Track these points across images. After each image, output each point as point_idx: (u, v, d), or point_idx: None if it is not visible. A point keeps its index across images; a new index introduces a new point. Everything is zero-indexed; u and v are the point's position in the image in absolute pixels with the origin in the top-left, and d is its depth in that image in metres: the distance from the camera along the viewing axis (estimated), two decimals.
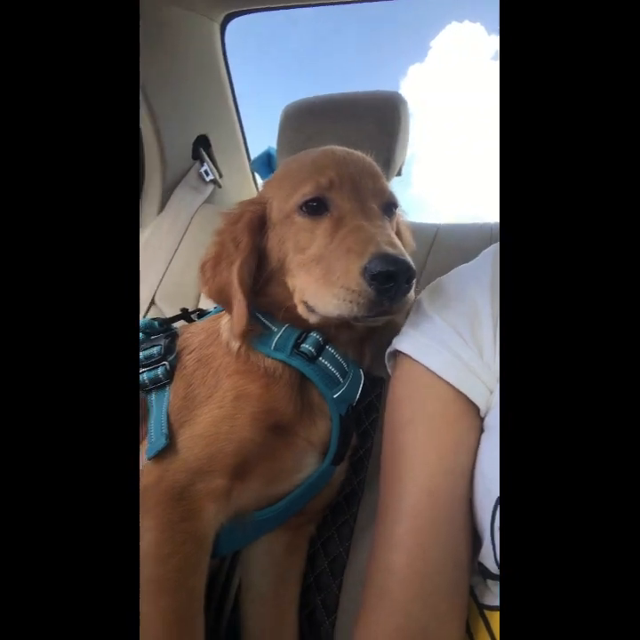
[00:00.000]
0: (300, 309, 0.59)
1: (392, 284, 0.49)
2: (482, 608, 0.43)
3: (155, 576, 0.49)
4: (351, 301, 0.50)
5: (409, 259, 0.50)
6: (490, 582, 0.43)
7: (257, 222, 0.61)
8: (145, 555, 0.50)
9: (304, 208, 0.58)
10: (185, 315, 0.82)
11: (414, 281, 0.51)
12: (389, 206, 0.62)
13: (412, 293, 0.52)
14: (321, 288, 0.54)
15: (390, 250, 0.50)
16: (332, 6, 1.16)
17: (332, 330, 0.63)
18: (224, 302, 0.61)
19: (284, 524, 0.64)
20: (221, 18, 1.20)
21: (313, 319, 0.58)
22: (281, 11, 1.18)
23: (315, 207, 0.58)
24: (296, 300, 0.59)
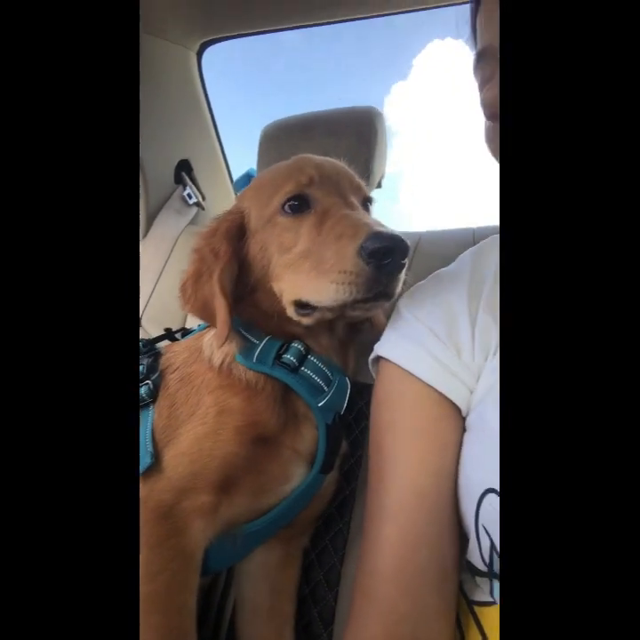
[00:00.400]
0: (290, 312, 0.59)
1: (389, 260, 0.50)
2: (471, 604, 0.43)
3: (144, 594, 0.49)
4: (350, 283, 0.51)
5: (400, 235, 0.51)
6: (478, 579, 0.43)
7: (235, 231, 0.62)
8: None
9: (286, 208, 0.59)
10: (169, 334, 0.82)
11: (408, 258, 0.52)
12: (366, 202, 0.65)
13: (403, 273, 0.53)
14: (314, 280, 0.54)
15: (383, 228, 0.51)
16: (310, 28, 1.19)
17: (314, 337, 0.64)
18: (208, 316, 0.61)
19: (277, 536, 0.64)
20: (197, 46, 1.24)
21: (306, 320, 0.58)
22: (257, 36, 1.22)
23: (297, 206, 0.59)
24: (285, 302, 0.59)
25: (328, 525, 0.71)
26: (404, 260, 0.51)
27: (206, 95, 1.31)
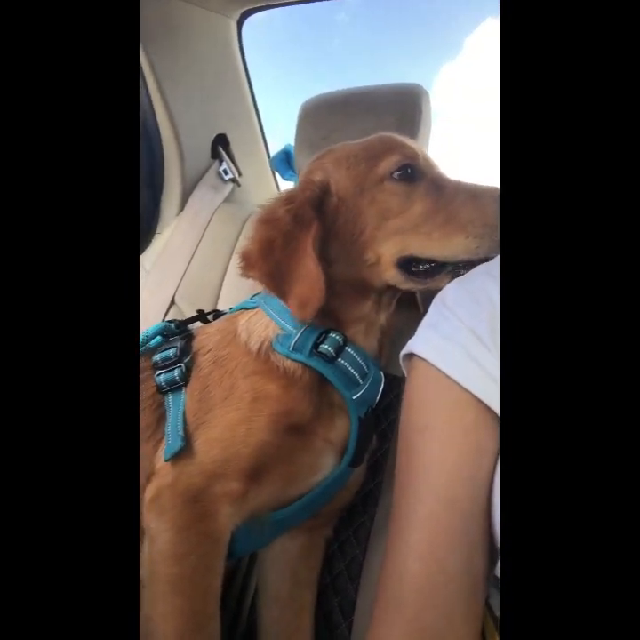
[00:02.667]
0: (390, 275, 0.62)
1: None
2: (497, 620, 0.42)
3: (170, 576, 0.50)
4: (489, 237, 0.56)
5: None
6: None
7: (317, 201, 0.62)
8: (160, 555, 0.51)
9: (396, 175, 0.61)
10: (201, 316, 0.82)
11: None
12: None
13: None
14: (445, 236, 0.58)
15: None
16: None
17: (359, 325, 0.64)
18: (277, 285, 0.60)
19: (301, 526, 0.64)
20: (238, 15, 1.20)
21: (405, 286, 0.62)
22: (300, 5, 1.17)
23: (409, 174, 0.62)
24: (384, 266, 0.62)
25: (352, 517, 0.71)
26: None
27: (246, 67, 1.27)
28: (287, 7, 1.18)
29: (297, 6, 1.17)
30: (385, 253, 0.61)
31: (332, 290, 0.59)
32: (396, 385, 0.75)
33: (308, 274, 0.58)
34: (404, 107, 0.93)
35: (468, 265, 0.57)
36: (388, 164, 0.62)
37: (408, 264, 0.62)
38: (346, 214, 0.62)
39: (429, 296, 0.56)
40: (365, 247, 0.62)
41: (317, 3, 1.16)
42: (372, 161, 0.63)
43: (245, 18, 1.21)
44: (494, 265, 0.52)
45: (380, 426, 0.74)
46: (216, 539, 0.53)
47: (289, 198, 0.63)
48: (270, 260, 0.60)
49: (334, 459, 0.61)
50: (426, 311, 0.54)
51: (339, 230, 0.62)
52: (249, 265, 0.63)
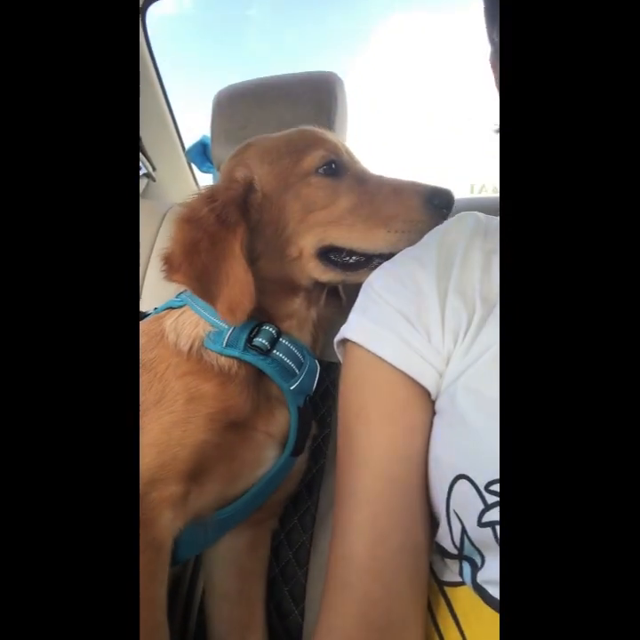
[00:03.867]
0: (311, 266, 0.63)
1: (447, 210, 0.61)
2: (442, 585, 0.44)
3: None
4: (410, 231, 0.59)
5: None
6: (448, 561, 0.44)
7: (241, 200, 0.61)
8: None
9: (321, 170, 0.63)
10: None
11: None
12: None
13: None
14: (368, 230, 0.61)
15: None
16: None
17: (293, 315, 0.65)
18: (203, 287, 0.58)
19: (246, 520, 0.64)
20: (141, 1, 1.14)
21: (325, 277, 0.63)
22: None
23: (333, 169, 0.63)
24: (305, 258, 0.62)
25: (296, 505, 0.71)
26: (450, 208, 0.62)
27: (152, 56, 1.22)
28: None
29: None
30: (306, 245, 0.62)
31: (260, 288, 0.58)
32: (331, 370, 0.76)
33: (237, 277, 0.57)
34: (319, 94, 0.93)
35: (387, 258, 0.58)
36: (313, 159, 0.63)
37: (328, 254, 0.63)
38: (270, 210, 0.62)
39: (356, 289, 0.57)
40: (289, 242, 0.62)
41: None
42: (296, 155, 0.63)
43: (148, 5, 1.15)
44: (419, 249, 0.54)
45: (318, 412, 0.75)
46: (158, 546, 0.51)
47: (212, 196, 0.61)
48: (196, 263, 0.57)
49: (276, 450, 0.61)
50: (349, 301, 0.55)
51: (264, 227, 0.62)
52: (173, 268, 0.60)
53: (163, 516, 0.51)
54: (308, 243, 0.62)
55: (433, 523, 0.45)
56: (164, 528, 0.52)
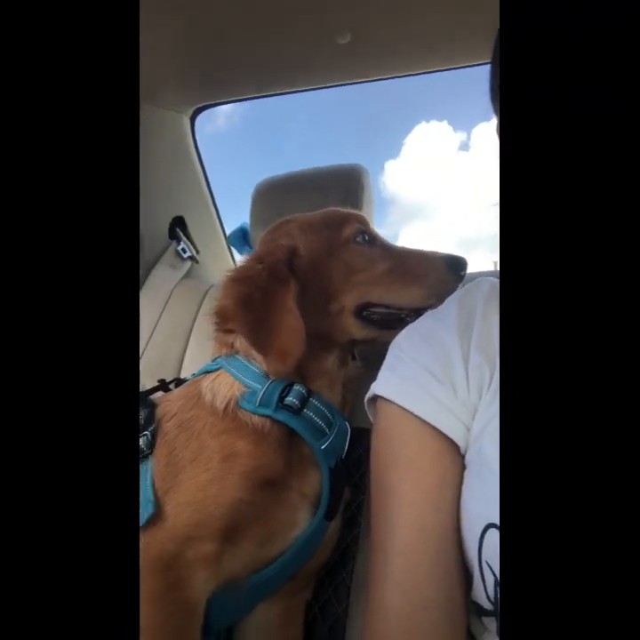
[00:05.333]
0: (351, 323, 0.69)
1: (464, 272, 0.72)
2: None
3: None
4: (438, 288, 0.68)
5: None
6: (485, 619, 0.42)
7: (288, 262, 0.68)
8: None
9: (358, 239, 0.72)
10: (162, 385, 0.82)
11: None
12: None
13: None
14: (406, 286, 0.70)
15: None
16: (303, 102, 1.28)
17: (322, 374, 0.68)
18: (257, 338, 0.63)
19: (279, 591, 0.62)
20: (191, 112, 1.31)
21: (361, 334, 0.70)
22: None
23: (366, 239, 0.73)
24: (346, 313, 0.69)
25: (331, 575, 0.69)
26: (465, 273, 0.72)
27: (199, 156, 1.38)
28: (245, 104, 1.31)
29: (253, 105, 1.30)
30: (347, 303, 0.69)
31: None
32: (364, 437, 0.77)
33: (289, 326, 0.62)
34: (347, 183, 1.04)
35: (418, 315, 0.63)
36: (351, 229, 0.72)
37: (364, 311, 0.70)
38: (315, 272, 0.69)
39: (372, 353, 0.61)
40: (332, 299, 0.69)
41: (270, 106, 1.29)
42: (335, 227, 0.73)
43: (198, 114, 1.32)
44: (441, 311, 0.58)
45: (351, 479, 0.75)
46: (191, 607, 0.51)
47: (259, 258, 0.68)
48: (249, 313, 0.63)
49: (309, 512, 0.61)
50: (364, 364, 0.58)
51: (309, 287, 0.68)
52: (226, 318, 0.67)
53: (197, 576, 0.52)
54: (349, 300, 0.69)
55: (468, 577, 0.44)
56: (199, 589, 0.52)
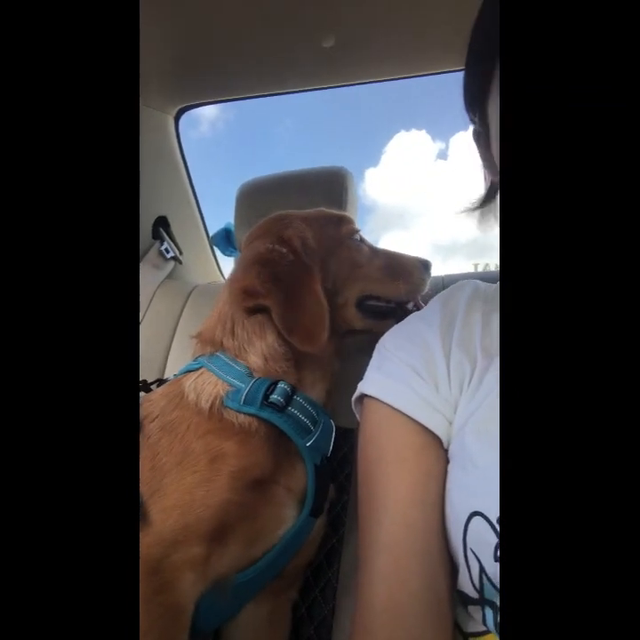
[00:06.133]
0: (352, 314, 0.76)
1: (430, 272, 0.82)
2: (467, 637, 0.43)
3: None
4: (418, 285, 0.80)
5: None
6: (471, 608, 0.43)
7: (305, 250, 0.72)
8: None
9: (354, 237, 0.79)
10: (144, 386, 0.81)
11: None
12: None
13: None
14: (395, 282, 0.78)
15: None
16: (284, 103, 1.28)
17: (307, 371, 0.69)
18: (285, 317, 0.64)
19: (265, 590, 0.62)
20: (175, 111, 1.30)
21: (361, 325, 0.76)
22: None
23: (359, 238, 0.80)
24: (349, 305, 0.75)
25: (317, 576, 0.70)
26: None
27: (183, 156, 1.37)
28: (226, 105, 1.30)
29: (236, 107, 1.30)
30: (351, 295, 0.75)
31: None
32: (349, 437, 0.78)
33: (316, 310, 0.65)
34: (331, 186, 1.04)
35: (403, 309, 0.79)
36: (348, 228, 0.79)
37: (363, 302, 0.77)
38: (324, 264, 0.73)
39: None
40: (337, 292, 0.74)
41: (252, 110, 1.29)
42: (334, 225, 0.79)
43: (182, 113, 1.32)
44: (424, 312, 0.60)
45: (337, 478, 0.75)
46: (179, 610, 0.51)
47: (281, 241, 0.70)
48: (279, 293, 0.65)
49: (296, 509, 0.61)
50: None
51: (324, 274, 0.72)
52: (257, 294, 0.66)
53: (184, 578, 0.51)
54: (352, 293, 0.75)
55: (453, 570, 0.45)
56: (186, 591, 0.51)
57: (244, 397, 0.61)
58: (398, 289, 0.78)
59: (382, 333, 0.61)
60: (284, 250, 0.68)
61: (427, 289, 0.81)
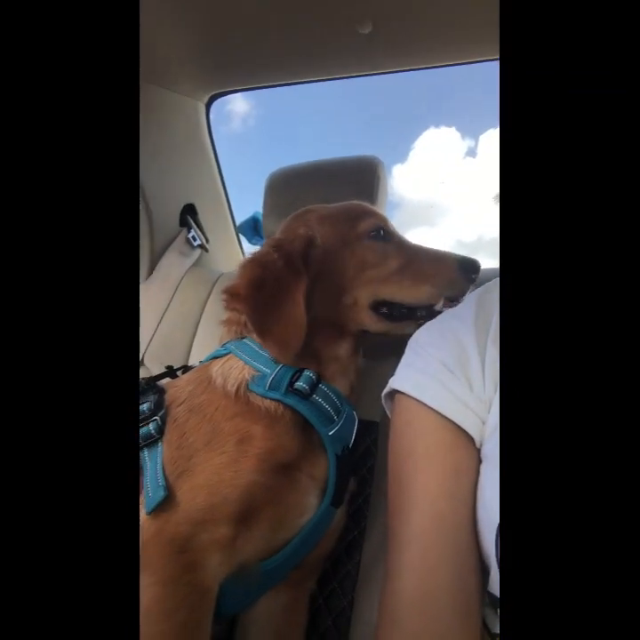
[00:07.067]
0: (364, 316, 0.71)
1: (475, 275, 0.72)
2: (494, 637, 0.43)
3: (158, 633, 0.47)
4: (448, 288, 0.71)
5: None
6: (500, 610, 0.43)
7: (305, 253, 0.70)
8: (146, 611, 0.48)
9: (372, 235, 0.74)
10: (170, 372, 0.82)
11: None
12: None
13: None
14: (416, 284, 0.71)
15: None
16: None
17: (329, 367, 0.69)
18: (260, 323, 0.64)
19: (284, 580, 0.62)
20: (206, 98, 1.30)
21: (375, 327, 0.72)
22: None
23: (382, 235, 0.74)
24: (360, 307, 0.71)
25: (337, 568, 0.70)
26: (476, 275, 0.73)
27: (213, 144, 1.37)
28: (257, 101, 1.30)
29: (266, 104, 1.29)
30: (361, 297, 0.71)
31: (314, 328, 0.65)
32: (372, 430, 0.77)
33: (293, 318, 0.63)
34: (362, 176, 1.03)
35: (429, 311, 0.71)
36: (367, 224, 0.74)
37: (379, 307, 0.72)
38: (330, 263, 0.71)
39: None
40: (344, 291, 0.71)
41: (282, 99, 1.28)
42: (352, 221, 0.75)
43: (213, 100, 1.31)
44: (458, 309, 0.59)
45: (359, 471, 0.75)
46: (205, 590, 0.51)
47: (279, 245, 0.69)
48: (258, 297, 0.65)
49: (318, 498, 0.61)
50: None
51: (323, 277, 0.70)
52: (235, 298, 0.68)
53: (211, 559, 0.51)
54: (362, 295, 0.71)
55: (484, 569, 0.44)
56: (212, 572, 0.51)
57: (269, 383, 0.62)
58: (419, 292, 0.71)
59: (400, 337, 0.61)
60: (276, 255, 0.68)
61: (465, 293, 0.70)
